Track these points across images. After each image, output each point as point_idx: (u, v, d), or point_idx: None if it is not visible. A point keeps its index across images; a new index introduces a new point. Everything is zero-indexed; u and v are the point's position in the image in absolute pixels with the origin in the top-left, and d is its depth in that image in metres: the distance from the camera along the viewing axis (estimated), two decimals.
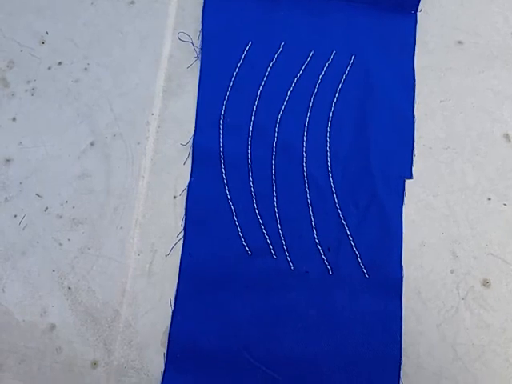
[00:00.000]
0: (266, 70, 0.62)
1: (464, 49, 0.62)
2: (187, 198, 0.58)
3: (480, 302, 0.54)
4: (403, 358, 0.53)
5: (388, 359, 0.53)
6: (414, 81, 0.61)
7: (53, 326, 0.56)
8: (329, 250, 0.56)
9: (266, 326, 0.54)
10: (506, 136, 0.58)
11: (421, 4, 0.63)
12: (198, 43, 0.64)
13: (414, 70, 0.61)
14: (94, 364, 0.55)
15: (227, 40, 0.63)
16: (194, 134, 0.60)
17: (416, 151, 0.58)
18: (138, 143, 0.61)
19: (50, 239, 0.58)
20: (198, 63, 0.63)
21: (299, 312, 0.54)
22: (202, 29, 0.64)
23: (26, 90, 0.63)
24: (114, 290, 0.56)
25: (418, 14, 0.63)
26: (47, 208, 0.59)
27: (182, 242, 0.57)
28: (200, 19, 0.64)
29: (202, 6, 0.65)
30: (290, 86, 0.61)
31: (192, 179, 0.59)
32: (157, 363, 0.54)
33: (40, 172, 0.60)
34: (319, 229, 0.57)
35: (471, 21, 0.63)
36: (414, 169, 0.58)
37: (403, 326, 0.53)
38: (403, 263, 0.55)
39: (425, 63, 0.62)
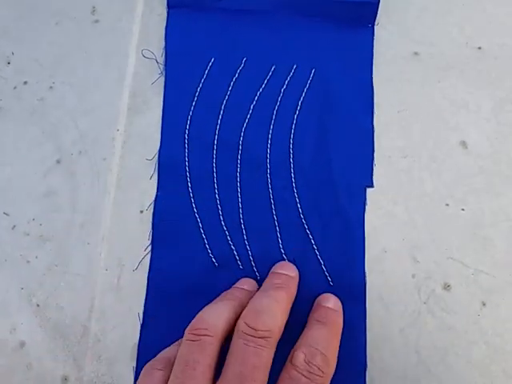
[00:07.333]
0: (229, 85, 0.63)
1: (420, 60, 0.64)
2: (154, 213, 0.59)
3: (441, 305, 0.55)
4: (368, 362, 0.54)
5: (353, 364, 0.54)
6: (373, 92, 0.62)
7: (22, 343, 0.56)
8: (294, 259, 0.57)
9: None
10: (463, 143, 0.60)
11: (377, 18, 0.64)
12: (161, 60, 0.65)
13: (372, 81, 0.63)
14: (65, 380, 0.55)
15: (190, 56, 0.64)
16: (160, 149, 0.61)
17: (376, 160, 0.60)
18: (104, 159, 0.61)
19: (18, 257, 0.58)
20: (163, 79, 0.64)
21: None
22: (166, 46, 0.65)
23: None
24: (82, 305, 0.57)
25: (375, 27, 0.65)
26: (15, 226, 0.59)
27: (149, 256, 0.58)
28: (163, 37, 0.65)
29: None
30: (253, 99, 0.63)
31: (158, 193, 0.60)
32: (126, 377, 0.55)
33: (6, 190, 0.61)
34: (284, 239, 0.58)
35: (427, 32, 0.65)
36: (374, 177, 0.59)
37: (367, 331, 0.54)
38: (366, 269, 0.56)
39: (382, 75, 0.63)
